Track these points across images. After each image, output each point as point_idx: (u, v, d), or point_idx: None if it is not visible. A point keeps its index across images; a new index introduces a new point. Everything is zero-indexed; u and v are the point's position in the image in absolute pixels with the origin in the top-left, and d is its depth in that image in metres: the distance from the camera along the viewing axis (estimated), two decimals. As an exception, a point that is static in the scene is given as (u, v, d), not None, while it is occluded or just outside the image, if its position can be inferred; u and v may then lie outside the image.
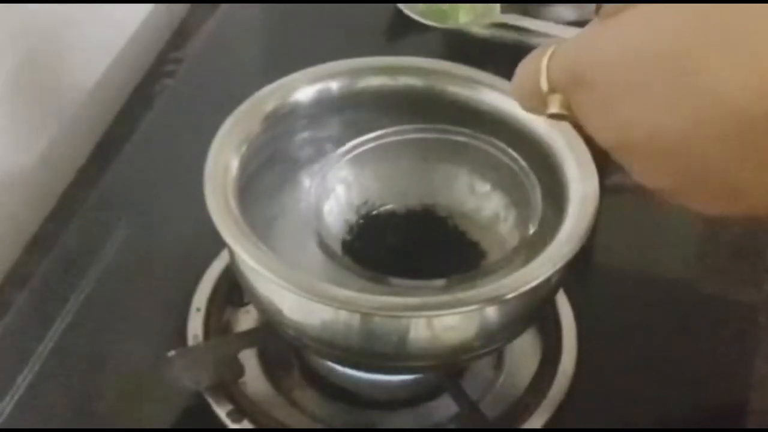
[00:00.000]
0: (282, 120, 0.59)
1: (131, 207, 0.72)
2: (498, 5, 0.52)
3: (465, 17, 0.53)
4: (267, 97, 0.59)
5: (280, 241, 0.56)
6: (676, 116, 0.33)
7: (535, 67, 0.38)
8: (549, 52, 0.38)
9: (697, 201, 0.36)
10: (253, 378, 0.60)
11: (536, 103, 0.39)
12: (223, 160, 0.55)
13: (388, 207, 0.60)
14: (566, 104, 0.38)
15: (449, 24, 0.54)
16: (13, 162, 0.72)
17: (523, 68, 0.40)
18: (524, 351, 0.62)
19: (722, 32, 0.31)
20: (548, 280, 0.52)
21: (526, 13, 0.78)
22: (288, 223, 0.59)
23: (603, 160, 0.54)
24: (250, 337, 0.61)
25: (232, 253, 0.54)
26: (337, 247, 0.57)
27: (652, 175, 0.36)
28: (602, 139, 0.37)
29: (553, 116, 0.38)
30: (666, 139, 0.34)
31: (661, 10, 0.33)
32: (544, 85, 0.38)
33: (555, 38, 0.42)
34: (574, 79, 0.36)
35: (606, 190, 0.54)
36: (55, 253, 0.68)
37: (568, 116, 0.38)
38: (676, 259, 0.71)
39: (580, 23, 0.82)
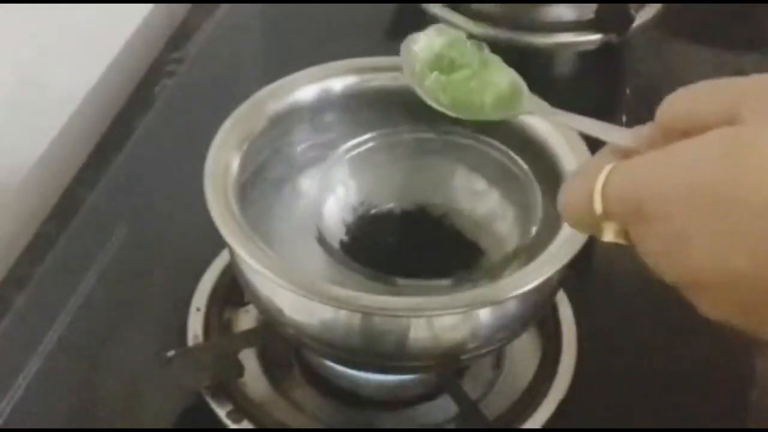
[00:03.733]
0: (282, 120, 0.59)
1: (131, 207, 0.72)
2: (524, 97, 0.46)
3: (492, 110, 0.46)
4: (267, 97, 0.59)
5: (280, 241, 0.56)
6: (757, 260, 0.30)
7: (588, 190, 0.35)
8: (604, 174, 0.35)
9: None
10: (253, 378, 0.60)
11: (588, 228, 0.36)
12: (223, 160, 0.55)
13: (385, 207, 0.60)
14: (623, 233, 0.35)
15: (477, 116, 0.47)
16: (13, 162, 0.72)
17: (573, 188, 0.37)
18: (524, 351, 0.62)
19: None
20: (548, 280, 0.52)
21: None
22: (288, 223, 0.58)
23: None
24: (250, 337, 0.61)
25: (232, 253, 0.54)
26: (336, 247, 0.57)
27: (724, 313, 0.34)
28: (667, 276, 0.34)
29: (608, 243, 0.36)
30: (744, 283, 0.31)
31: (737, 137, 0.30)
32: (598, 210, 0.35)
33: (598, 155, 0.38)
34: (635, 211, 0.34)
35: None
36: (55, 253, 0.68)
37: (626, 245, 0.35)
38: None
39: (579, 23, 0.82)
